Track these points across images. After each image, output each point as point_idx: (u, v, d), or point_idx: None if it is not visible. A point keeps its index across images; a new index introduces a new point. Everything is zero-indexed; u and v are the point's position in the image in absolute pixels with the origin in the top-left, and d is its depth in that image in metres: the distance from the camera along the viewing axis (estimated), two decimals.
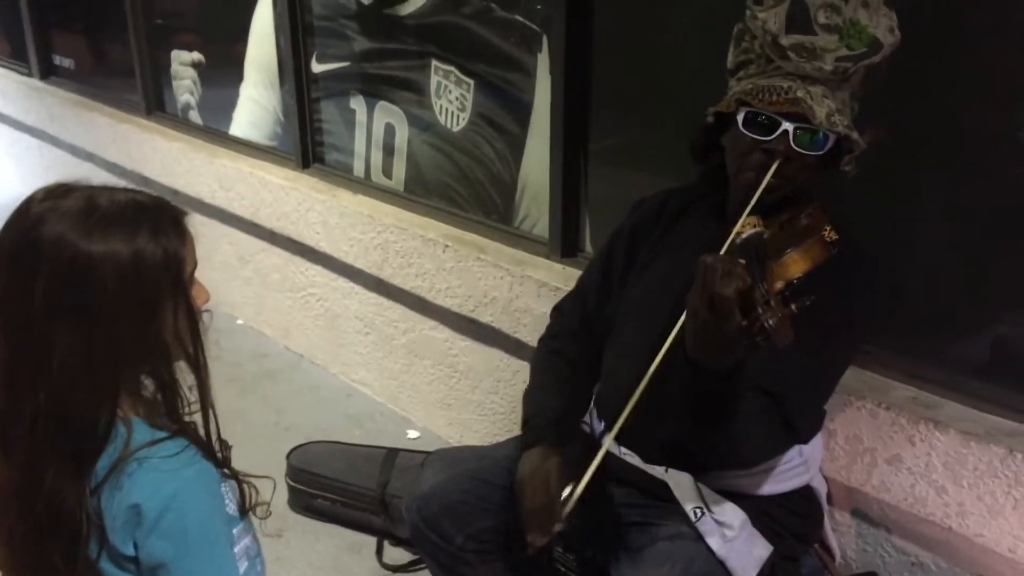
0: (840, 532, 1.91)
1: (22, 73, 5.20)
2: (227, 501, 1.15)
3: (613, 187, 2.39)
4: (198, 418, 1.14)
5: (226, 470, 1.16)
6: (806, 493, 1.65)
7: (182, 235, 1.10)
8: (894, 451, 1.79)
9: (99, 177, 4.02)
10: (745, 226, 1.40)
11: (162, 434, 1.08)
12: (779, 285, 1.23)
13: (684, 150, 1.68)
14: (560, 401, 1.69)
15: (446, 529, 1.68)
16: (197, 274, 1.14)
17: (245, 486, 1.18)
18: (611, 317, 1.73)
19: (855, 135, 1.41)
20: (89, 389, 1.04)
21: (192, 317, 1.10)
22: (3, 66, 5.41)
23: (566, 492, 1.48)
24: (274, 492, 1.27)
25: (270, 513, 1.25)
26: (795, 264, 1.28)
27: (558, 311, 1.85)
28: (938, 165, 1.81)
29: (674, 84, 2.22)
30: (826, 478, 1.86)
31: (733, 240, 1.33)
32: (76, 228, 1.03)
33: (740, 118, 1.44)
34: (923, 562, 1.81)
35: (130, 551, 1.06)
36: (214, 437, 1.15)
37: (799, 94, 1.37)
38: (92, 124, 4.47)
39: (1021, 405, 1.71)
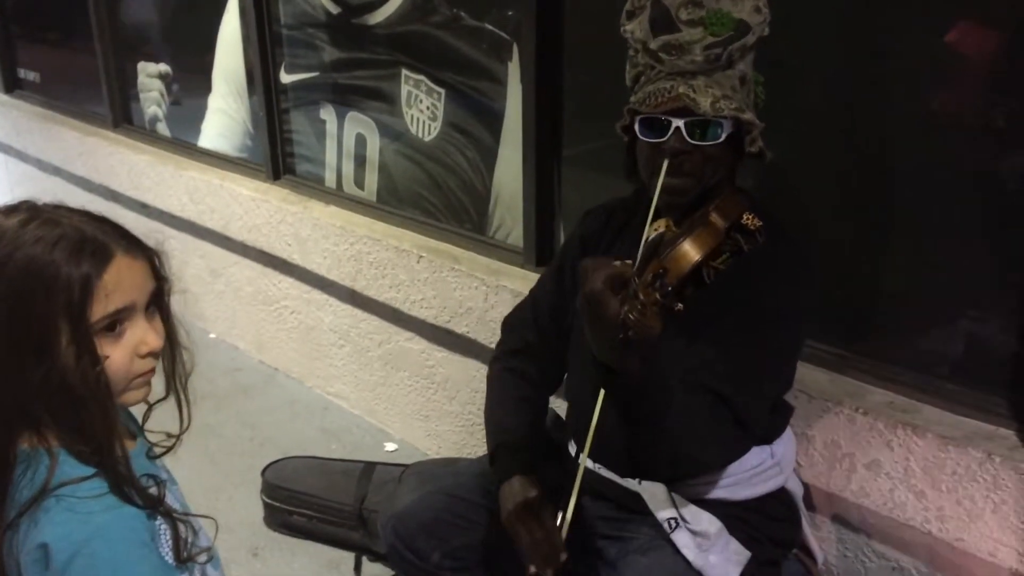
0: (821, 538, 1.91)
1: None
2: (163, 547, 1.06)
3: (587, 195, 2.37)
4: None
5: (160, 511, 1.07)
6: (782, 496, 1.64)
7: (103, 266, 0.98)
8: (872, 456, 1.78)
9: (66, 191, 3.97)
10: (654, 230, 1.41)
11: (87, 471, 1.00)
12: (651, 275, 1.21)
13: None
14: (524, 424, 1.68)
15: (422, 547, 1.66)
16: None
17: (181, 527, 1.08)
18: (568, 328, 1.71)
19: (746, 115, 1.42)
20: None
21: (92, 359, 0.98)
22: None
23: (559, 519, 1.48)
24: (216, 533, 1.20)
25: (211, 559, 1.15)
26: (684, 255, 1.26)
27: (508, 326, 1.84)
28: (916, 167, 1.81)
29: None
30: (806, 484, 1.85)
31: (642, 245, 1.33)
32: (5, 235, 0.98)
33: (637, 127, 1.47)
34: (904, 567, 1.81)
35: None
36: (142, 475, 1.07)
37: (681, 90, 1.39)
38: (58, 138, 4.41)
39: (999, 408, 1.71)
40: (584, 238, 1.73)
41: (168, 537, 1.05)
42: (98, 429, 1.00)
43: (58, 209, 1.03)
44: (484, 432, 2.58)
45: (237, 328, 3.64)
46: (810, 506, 1.89)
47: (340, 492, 2.55)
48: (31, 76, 4.84)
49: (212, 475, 2.85)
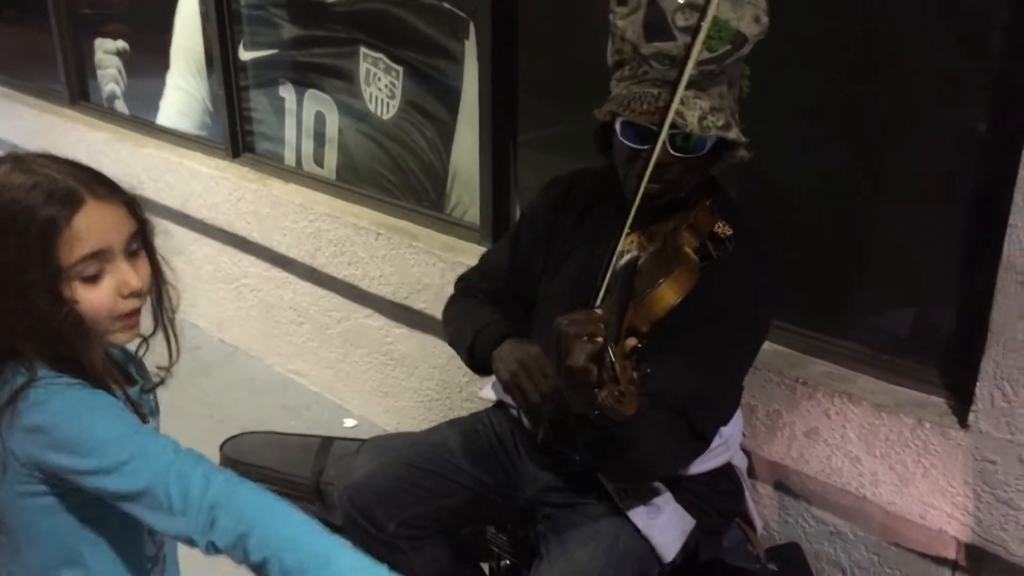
0: (763, 504, 1.98)
1: None
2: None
3: (543, 173, 2.40)
4: None
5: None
6: (727, 471, 1.68)
7: (73, 211, 1.01)
8: (811, 424, 1.85)
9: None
10: (629, 243, 1.38)
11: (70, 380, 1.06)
12: (629, 345, 1.18)
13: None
14: (498, 316, 1.66)
15: (378, 517, 1.68)
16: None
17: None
18: (520, 298, 1.72)
19: (732, 133, 1.37)
20: None
21: (61, 301, 1.02)
22: None
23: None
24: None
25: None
26: (661, 300, 1.23)
27: (461, 280, 1.84)
28: (847, 140, 1.87)
29: (600, 71, 2.24)
30: (748, 452, 1.91)
31: (614, 265, 1.28)
32: None
33: (617, 128, 1.44)
34: (841, 531, 1.88)
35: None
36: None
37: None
38: (15, 115, 4.36)
39: (930, 378, 1.78)
40: (547, 209, 1.70)
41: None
42: (84, 366, 1.04)
43: (39, 158, 1.06)
44: (442, 407, 2.61)
45: (197, 307, 3.64)
46: (753, 474, 1.96)
47: (297, 466, 2.58)
48: None
49: None
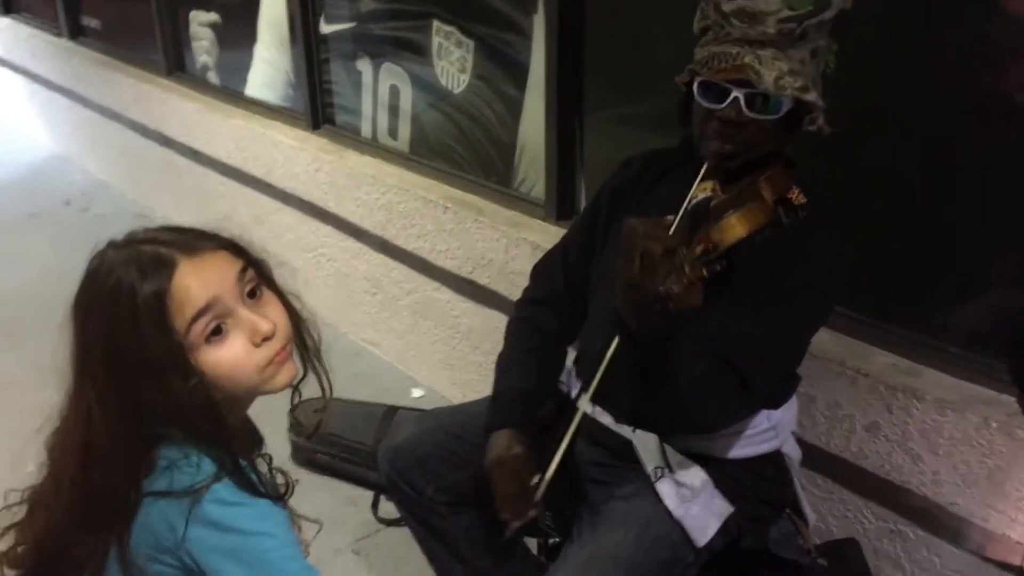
0: (821, 498, 1.92)
1: (53, 34, 5.28)
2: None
3: (609, 149, 2.38)
4: None
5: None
6: (775, 459, 1.64)
7: (168, 278, 0.97)
8: (872, 418, 1.78)
9: (124, 137, 4.09)
10: (701, 191, 1.38)
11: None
12: (699, 249, 1.21)
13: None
14: (529, 376, 1.69)
15: (417, 480, 1.71)
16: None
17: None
18: (594, 277, 1.72)
19: (809, 96, 1.37)
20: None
21: (188, 373, 0.97)
22: (36, 26, 5.50)
23: (536, 479, 1.54)
24: (317, 534, 1.21)
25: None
26: (731, 229, 1.26)
27: (537, 272, 1.85)
28: (923, 129, 1.77)
29: (669, 45, 2.18)
30: (808, 443, 1.85)
31: (686, 206, 1.32)
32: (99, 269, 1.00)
33: (695, 88, 1.43)
34: (901, 530, 1.81)
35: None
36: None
37: (746, 60, 1.35)
38: (117, 84, 4.54)
39: (1001, 374, 1.69)
40: (619, 187, 1.71)
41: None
42: (216, 439, 1.00)
43: (135, 234, 1.04)
44: None
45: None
46: (811, 466, 1.89)
47: (361, 433, 2.64)
48: (93, 23, 4.98)
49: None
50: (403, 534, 2.35)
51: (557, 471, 1.54)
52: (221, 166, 3.85)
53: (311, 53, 3.26)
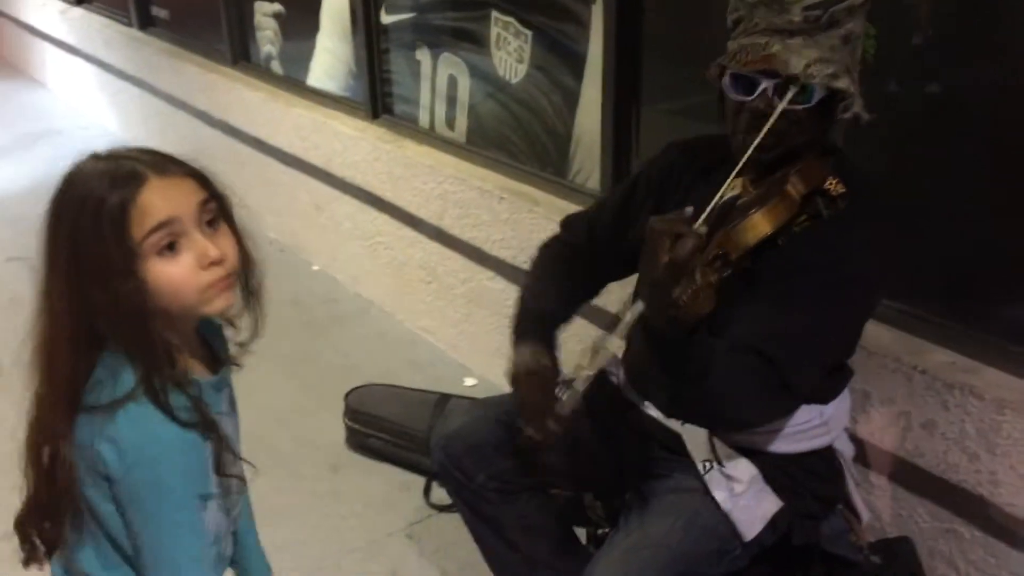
0: (876, 496, 1.89)
1: (123, 24, 5.42)
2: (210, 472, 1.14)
3: (665, 140, 2.36)
4: None
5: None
6: (826, 454, 1.63)
7: (136, 190, 1.05)
8: (928, 416, 1.75)
9: (190, 125, 4.19)
10: (731, 190, 1.37)
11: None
12: (712, 254, 1.22)
13: None
14: (552, 300, 1.70)
15: (468, 467, 1.74)
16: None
17: (225, 453, 1.15)
18: (620, 247, 1.70)
19: (841, 83, 1.35)
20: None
21: (134, 279, 1.04)
22: (107, 16, 5.65)
23: (563, 394, 1.50)
24: (254, 478, 1.28)
25: (245, 488, 1.25)
26: (754, 228, 1.25)
27: (567, 222, 1.85)
28: (988, 120, 1.73)
29: (727, 35, 2.17)
30: (862, 440, 1.83)
31: (715, 204, 1.30)
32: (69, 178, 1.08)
33: (725, 82, 1.43)
34: (957, 529, 1.78)
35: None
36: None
37: (774, 49, 1.34)
38: (183, 73, 4.65)
39: None
40: (665, 168, 1.70)
41: (209, 453, 1.13)
42: (142, 347, 1.07)
43: (111, 150, 1.12)
44: None
45: (337, 261, 3.80)
46: (866, 463, 1.87)
47: (415, 419, 2.68)
48: (162, 14, 5.10)
49: (303, 397, 3.03)
50: (454, 520, 2.39)
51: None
52: (283, 155, 3.92)
53: (372, 43, 3.31)
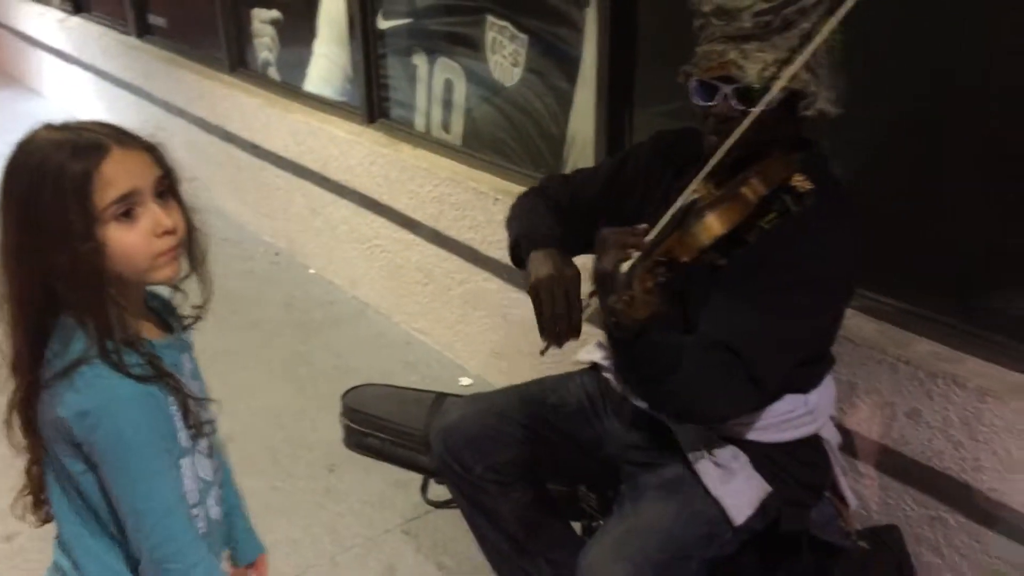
0: (863, 485, 1.94)
1: (121, 32, 5.47)
2: (175, 417, 1.19)
3: None
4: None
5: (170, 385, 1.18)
6: (813, 442, 1.66)
7: (100, 159, 1.09)
8: (913, 405, 1.79)
9: (187, 132, 4.22)
10: (694, 193, 1.41)
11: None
12: (653, 260, 1.25)
13: None
14: (553, 225, 1.65)
15: (467, 459, 1.77)
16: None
17: (190, 402, 1.20)
18: (596, 222, 1.65)
19: (797, 84, 1.39)
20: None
21: (93, 243, 1.09)
22: (105, 25, 5.70)
23: (585, 304, 1.45)
24: (219, 414, 1.30)
25: (215, 431, 1.29)
26: (707, 231, 1.28)
27: (548, 185, 1.83)
28: (965, 113, 1.79)
29: None
30: (848, 430, 1.88)
31: (671, 214, 1.34)
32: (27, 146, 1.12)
33: (691, 87, 1.49)
34: (942, 516, 1.82)
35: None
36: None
37: (730, 56, 1.39)
38: (181, 81, 4.69)
39: None
40: (652, 157, 1.72)
41: (176, 407, 1.19)
42: (97, 307, 1.13)
43: (66, 122, 1.17)
44: (554, 372, 2.68)
45: (333, 264, 3.84)
46: (852, 453, 1.92)
47: (411, 418, 2.71)
48: (159, 22, 5.15)
49: (299, 398, 3.06)
50: (451, 516, 2.43)
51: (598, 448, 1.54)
52: (279, 159, 3.97)
53: (368, 48, 3.36)
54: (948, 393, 1.73)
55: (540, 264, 1.52)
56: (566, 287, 1.48)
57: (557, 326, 1.47)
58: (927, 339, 1.83)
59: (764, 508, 1.59)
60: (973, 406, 1.70)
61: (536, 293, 1.50)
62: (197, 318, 1.31)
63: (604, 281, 1.27)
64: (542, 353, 1.51)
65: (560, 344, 1.48)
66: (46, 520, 1.26)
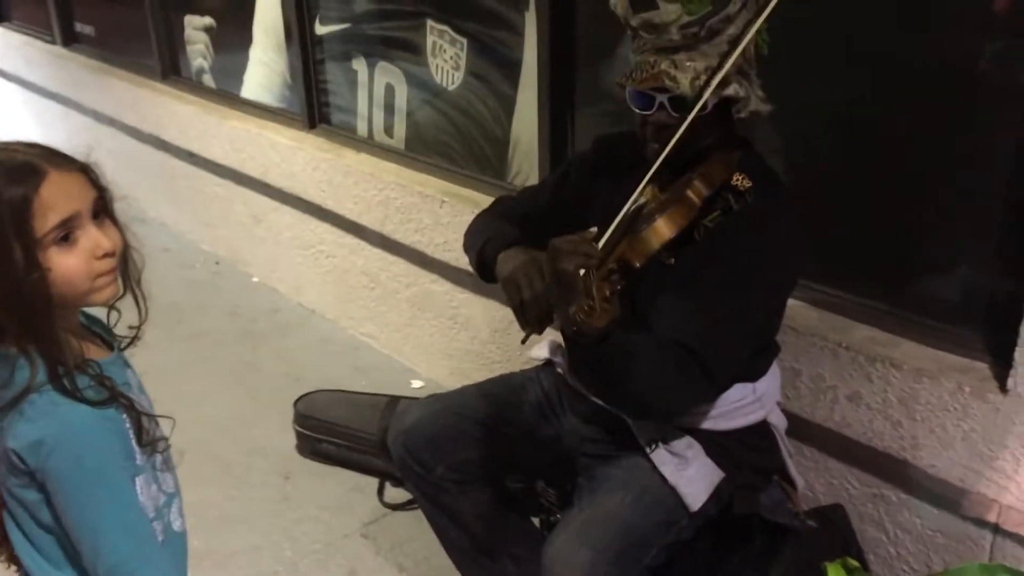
0: (807, 467, 2.01)
1: (46, 41, 5.33)
2: (130, 437, 1.17)
3: None
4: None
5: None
6: (761, 428, 1.72)
7: (38, 184, 1.07)
8: (854, 388, 1.87)
9: (119, 141, 4.13)
10: (643, 195, 1.47)
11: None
12: (607, 268, 1.31)
13: None
14: (515, 230, 1.72)
15: (427, 460, 1.79)
16: None
17: (144, 420, 1.18)
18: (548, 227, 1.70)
19: (728, 90, 1.44)
20: None
21: (37, 270, 1.07)
22: (29, 34, 5.54)
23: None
24: (173, 429, 1.29)
25: (169, 447, 1.27)
26: (657, 235, 1.34)
27: (501, 208, 1.90)
28: (911, 112, 1.87)
29: None
30: (793, 415, 1.95)
31: (618, 221, 1.39)
32: None
33: (628, 96, 1.53)
34: (884, 494, 1.91)
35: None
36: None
37: (661, 67, 1.44)
38: (112, 89, 4.60)
39: (974, 343, 1.79)
40: (595, 163, 1.78)
41: (130, 425, 1.17)
42: (44, 333, 1.10)
43: (4, 142, 1.15)
44: (504, 369, 2.71)
45: (278, 272, 3.82)
46: (797, 436, 1.99)
47: (365, 422, 2.72)
48: (87, 30, 5.03)
49: (250, 407, 3.04)
50: (408, 518, 2.45)
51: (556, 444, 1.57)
52: (217, 167, 3.92)
53: (307, 54, 3.35)
54: (886, 375, 1.81)
55: (511, 258, 1.58)
56: (540, 266, 1.50)
57: (537, 309, 1.49)
58: (865, 325, 1.92)
59: (718, 493, 1.65)
60: (910, 386, 1.78)
61: (513, 281, 1.53)
62: (135, 338, 1.29)
63: (566, 283, 1.29)
64: (523, 342, 1.55)
65: (540, 330, 1.51)
66: (11, 559, 1.23)
